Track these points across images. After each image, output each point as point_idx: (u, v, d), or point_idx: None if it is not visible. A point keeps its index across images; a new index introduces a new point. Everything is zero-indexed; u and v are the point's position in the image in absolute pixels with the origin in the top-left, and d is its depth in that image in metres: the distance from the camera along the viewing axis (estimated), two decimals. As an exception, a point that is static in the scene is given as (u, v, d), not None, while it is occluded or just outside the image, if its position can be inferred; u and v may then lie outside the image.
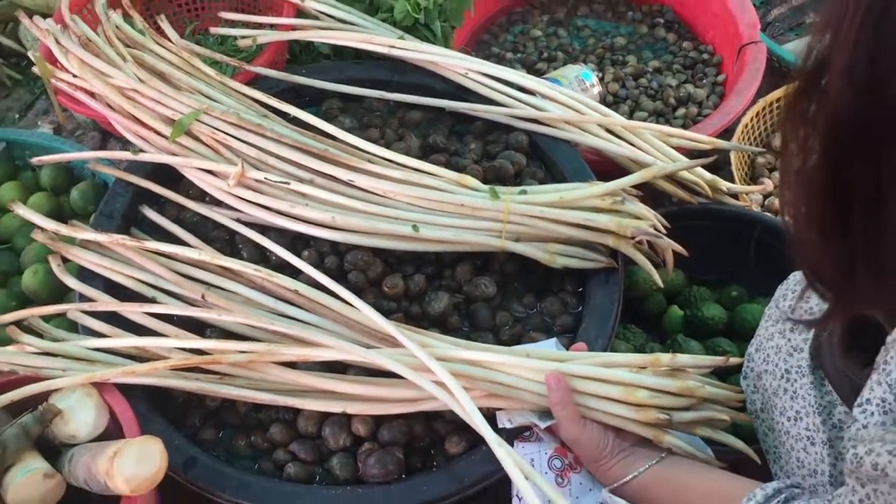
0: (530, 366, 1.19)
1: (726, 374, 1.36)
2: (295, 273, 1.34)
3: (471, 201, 1.39)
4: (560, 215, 1.38)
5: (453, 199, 1.39)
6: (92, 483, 1.12)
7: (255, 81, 1.65)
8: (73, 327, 1.38)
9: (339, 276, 1.37)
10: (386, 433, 1.24)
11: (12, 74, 2.19)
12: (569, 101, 1.60)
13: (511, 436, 1.20)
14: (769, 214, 1.66)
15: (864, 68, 0.66)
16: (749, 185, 1.80)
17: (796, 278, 1.15)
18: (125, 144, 1.61)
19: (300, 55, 1.86)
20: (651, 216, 1.39)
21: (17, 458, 1.12)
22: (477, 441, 1.21)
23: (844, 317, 0.84)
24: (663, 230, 1.39)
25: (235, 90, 1.59)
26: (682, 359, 1.19)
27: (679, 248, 1.39)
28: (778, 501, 0.96)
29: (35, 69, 1.63)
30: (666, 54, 2.10)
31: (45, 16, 1.69)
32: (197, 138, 1.49)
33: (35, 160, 1.65)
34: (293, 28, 1.70)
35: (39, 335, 1.36)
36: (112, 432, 1.20)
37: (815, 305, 1.08)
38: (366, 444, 1.25)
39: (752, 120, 1.82)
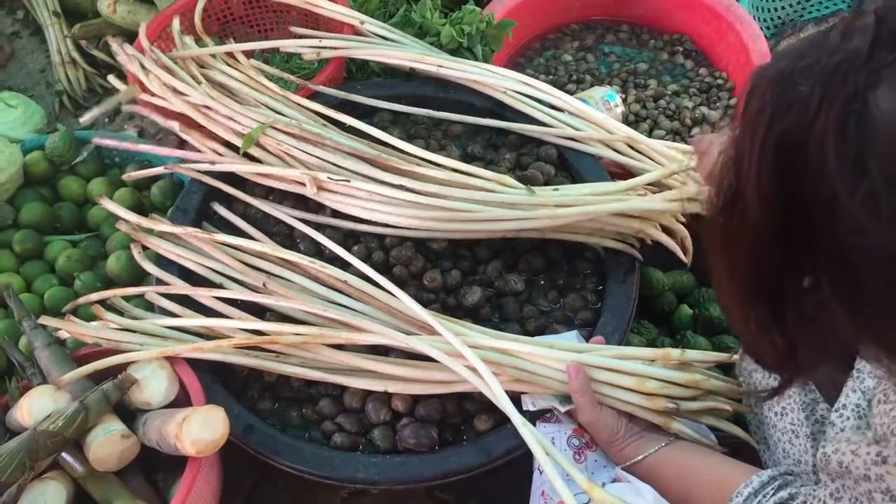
0: (553, 355, 1.19)
1: (728, 368, 1.34)
2: (346, 265, 1.35)
3: (510, 199, 1.38)
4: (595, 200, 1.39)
5: (494, 198, 1.38)
6: (163, 444, 1.13)
7: (315, 96, 1.66)
8: (150, 307, 1.40)
9: (385, 270, 1.37)
10: (422, 410, 1.24)
11: (103, 83, 2.22)
12: (600, 120, 1.60)
13: (534, 417, 1.20)
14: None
15: (771, 191, 0.65)
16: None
17: None
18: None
19: (356, 73, 1.86)
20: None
21: (98, 419, 1.14)
22: (503, 420, 1.21)
23: (790, 385, 0.84)
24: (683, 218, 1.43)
25: (297, 103, 1.60)
26: (691, 354, 1.19)
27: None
28: (772, 488, 0.96)
29: (115, 83, 1.65)
30: (684, 79, 2.08)
31: (134, 33, 1.71)
32: (265, 148, 1.50)
33: (126, 176, 1.66)
34: (353, 47, 1.70)
35: (120, 313, 1.38)
36: (181, 400, 1.21)
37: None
38: (404, 419, 1.25)
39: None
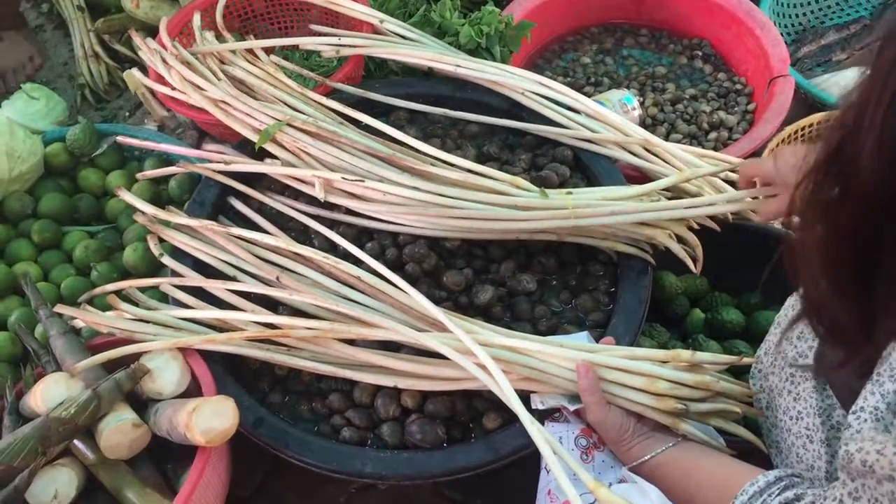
0: (563, 355, 1.18)
1: (740, 372, 1.33)
2: (359, 261, 1.35)
3: (524, 201, 1.38)
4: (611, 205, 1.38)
5: (508, 201, 1.38)
6: (173, 434, 1.14)
7: (333, 93, 1.66)
8: (165, 298, 1.41)
9: (398, 267, 1.37)
10: (431, 406, 1.25)
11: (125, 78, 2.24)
12: (617, 122, 1.59)
13: (542, 416, 1.20)
14: (786, 231, 1.62)
15: (892, 148, 0.62)
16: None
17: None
18: (219, 142, 1.65)
19: (374, 72, 1.87)
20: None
21: (110, 408, 1.15)
22: (511, 418, 1.21)
23: (857, 361, 0.82)
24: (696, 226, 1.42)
25: (315, 101, 1.60)
26: (701, 356, 1.18)
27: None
28: (778, 488, 0.95)
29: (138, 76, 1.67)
30: (702, 83, 2.07)
31: (156, 29, 1.73)
32: (281, 145, 1.51)
33: (140, 175, 1.67)
34: (372, 45, 1.71)
35: (135, 304, 1.39)
36: (192, 391, 1.22)
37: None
38: (413, 415, 1.25)
39: (777, 145, 1.78)
